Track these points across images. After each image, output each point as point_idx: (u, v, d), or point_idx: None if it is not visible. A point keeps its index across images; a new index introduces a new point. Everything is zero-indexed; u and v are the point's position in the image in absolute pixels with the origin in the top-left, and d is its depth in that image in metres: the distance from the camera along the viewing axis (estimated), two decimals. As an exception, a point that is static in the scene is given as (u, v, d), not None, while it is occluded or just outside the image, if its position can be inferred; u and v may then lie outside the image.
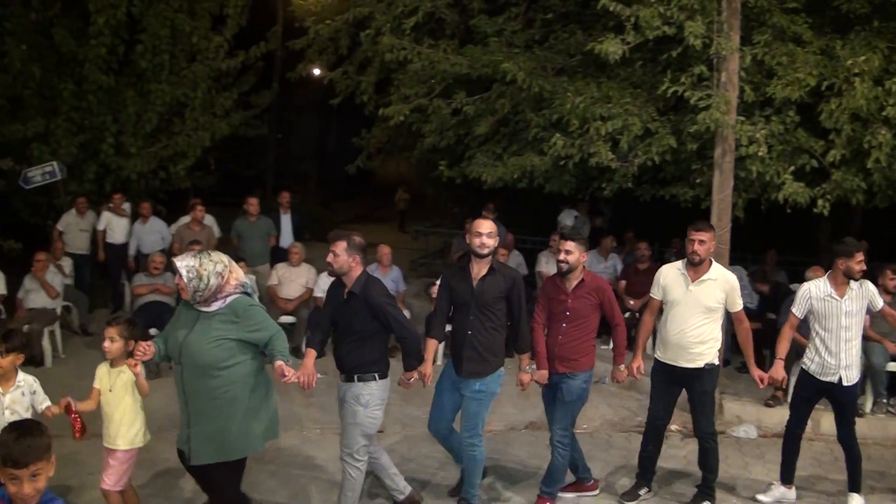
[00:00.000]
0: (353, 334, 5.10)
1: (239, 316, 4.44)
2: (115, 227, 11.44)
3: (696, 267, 5.63)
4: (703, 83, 7.76)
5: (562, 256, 5.54)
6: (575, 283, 5.57)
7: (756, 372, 5.71)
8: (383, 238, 11.97)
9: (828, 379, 5.71)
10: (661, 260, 10.70)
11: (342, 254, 5.09)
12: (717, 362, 5.72)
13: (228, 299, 4.48)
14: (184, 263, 4.43)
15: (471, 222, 5.71)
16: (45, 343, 9.07)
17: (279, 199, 12.09)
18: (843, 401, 5.78)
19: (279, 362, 4.48)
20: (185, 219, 11.17)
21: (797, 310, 5.83)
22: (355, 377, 5.08)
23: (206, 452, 4.42)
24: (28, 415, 4.71)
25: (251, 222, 10.87)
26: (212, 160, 16.38)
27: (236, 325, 4.42)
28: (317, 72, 13.97)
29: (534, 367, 5.65)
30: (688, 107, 8.46)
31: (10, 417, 4.55)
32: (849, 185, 7.64)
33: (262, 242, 10.90)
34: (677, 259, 9.95)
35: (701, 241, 5.56)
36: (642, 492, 6.02)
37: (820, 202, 7.68)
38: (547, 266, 10.68)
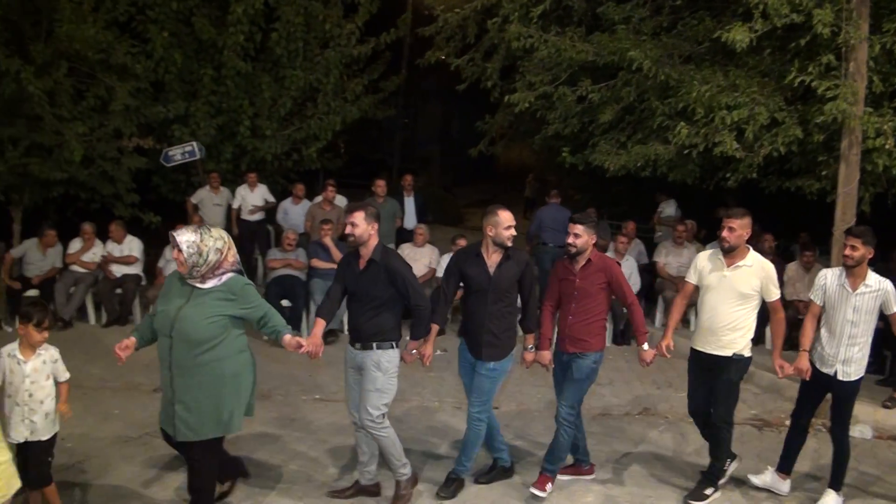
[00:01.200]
0: (371, 301, 5.21)
1: (236, 294, 4.51)
2: (248, 203, 12.15)
3: (731, 253, 5.60)
4: (831, 73, 7.62)
5: (570, 240, 5.61)
6: (582, 263, 5.65)
7: (778, 361, 5.65)
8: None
9: (825, 370, 5.66)
10: (785, 254, 10.51)
11: (361, 223, 5.19)
12: (747, 353, 5.66)
13: (224, 277, 4.53)
14: (184, 238, 4.45)
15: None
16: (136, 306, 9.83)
17: (403, 183, 12.49)
18: (839, 395, 5.68)
19: (287, 336, 4.62)
20: (318, 198, 11.74)
21: (815, 296, 5.77)
22: (374, 344, 5.22)
23: (191, 429, 4.52)
24: (49, 384, 4.82)
25: (378, 203, 11.33)
26: (341, 143, 17.00)
27: (232, 302, 4.51)
28: (443, 58, 14.27)
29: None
30: (815, 97, 8.32)
31: (30, 387, 4.74)
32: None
33: (389, 223, 11.33)
34: (799, 248, 9.86)
35: (731, 228, 5.53)
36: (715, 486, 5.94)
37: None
38: (666, 258, 10.67)
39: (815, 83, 7.57)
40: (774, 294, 5.63)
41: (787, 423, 7.47)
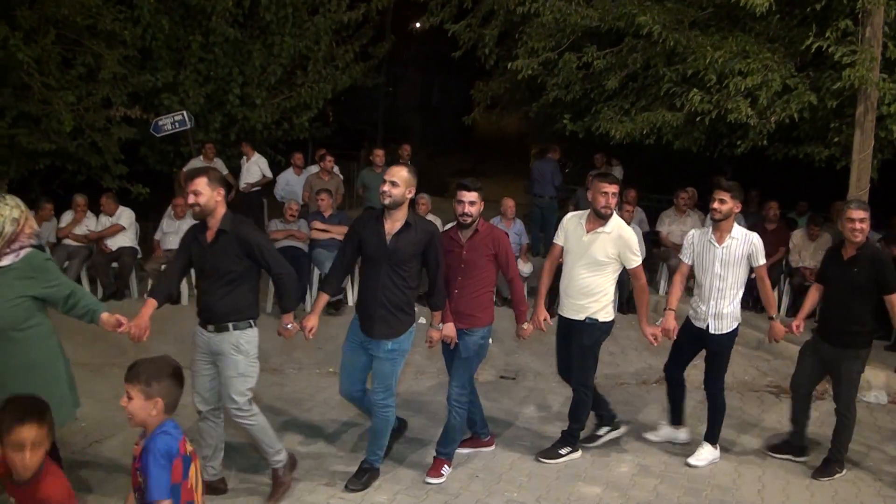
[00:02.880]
0: (223, 277, 4.66)
1: (35, 271, 4.13)
2: (245, 174, 11.92)
3: (600, 219, 5.46)
4: (847, 38, 7.56)
5: (466, 209, 5.19)
6: (470, 233, 5.30)
7: (648, 330, 5.63)
8: (508, 193, 12.12)
9: (699, 324, 5.70)
10: (786, 221, 10.52)
11: (205, 190, 4.60)
12: (602, 319, 5.54)
13: (22, 252, 4.11)
14: None
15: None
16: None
17: (401, 152, 12.31)
18: (712, 349, 5.71)
19: (105, 314, 4.32)
20: (313, 168, 11.53)
21: (684, 256, 5.84)
22: (230, 325, 4.68)
23: None
24: None
25: (377, 173, 11.15)
26: (330, 112, 16.74)
27: (33, 280, 4.12)
28: (417, 25, 14.08)
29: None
30: (828, 62, 8.28)
31: None
32: None
33: (387, 194, 11.18)
34: (807, 221, 9.87)
35: (613, 194, 5.39)
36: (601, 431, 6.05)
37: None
38: (669, 226, 10.64)
39: (831, 49, 7.51)
40: (634, 261, 5.50)
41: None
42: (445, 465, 5.47)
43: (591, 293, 5.51)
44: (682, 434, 6.15)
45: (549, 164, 12.45)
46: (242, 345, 4.71)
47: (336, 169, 11.52)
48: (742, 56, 8.45)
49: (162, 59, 12.11)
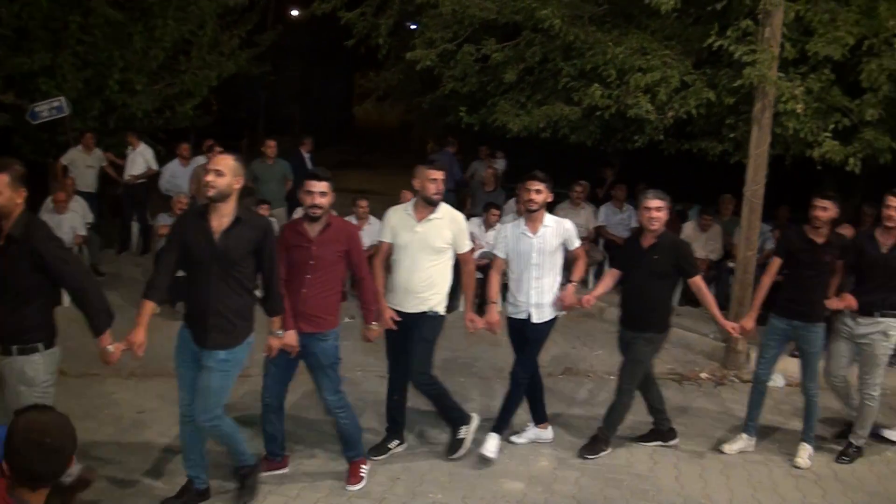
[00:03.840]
0: (8, 292, 4.05)
1: None
2: (130, 165, 11.31)
3: (430, 206, 5.36)
4: (747, 37, 7.79)
5: (315, 200, 4.81)
6: (320, 228, 4.91)
7: (468, 316, 5.66)
8: (393, 186, 11.90)
9: (519, 316, 5.70)
10: (678, 215, 10.79)
11: (5, 190, 4.00)
12: (440, 311, 5.49)
13: None
14: None
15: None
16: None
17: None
18: (531, 336, 5.69)
19: None
20: (201, 159, 11.03)
21: (498, 251, 5.80)
22: (14, 348, 4.09)
23: None
24: None
25: (268, 165, 10.76)
26: (213, 100, 16.09)
27: None
28: (294, 13, 13.76)
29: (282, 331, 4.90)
30: (723, 60, 8.54)
31: None
32: (880, 144, 7.78)
33: (279, 185, 10.81)
34: (698, 213, 10.20)
35: (442, 181, 5.36)
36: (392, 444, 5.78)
37: (851, 160, 7.79)
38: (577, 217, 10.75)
39: (732, 47, 7.71)
40: (466, 246, 5.52)
41: (703, 375, 7.85)
42: (362, 466, 5.31)
43: (434, 284, 5.42)
44: (547, 433, 6.08)
45: (447, 157, 12.29)
46: (27, 373, 4.10)
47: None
48: (641, 53, 8.60)
49: (39, 41, 11.29)
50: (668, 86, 8.39)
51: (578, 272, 5.75)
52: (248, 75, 15.83)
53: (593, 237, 10.74)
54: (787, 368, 7.81)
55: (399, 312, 5.45)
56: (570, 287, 5.70)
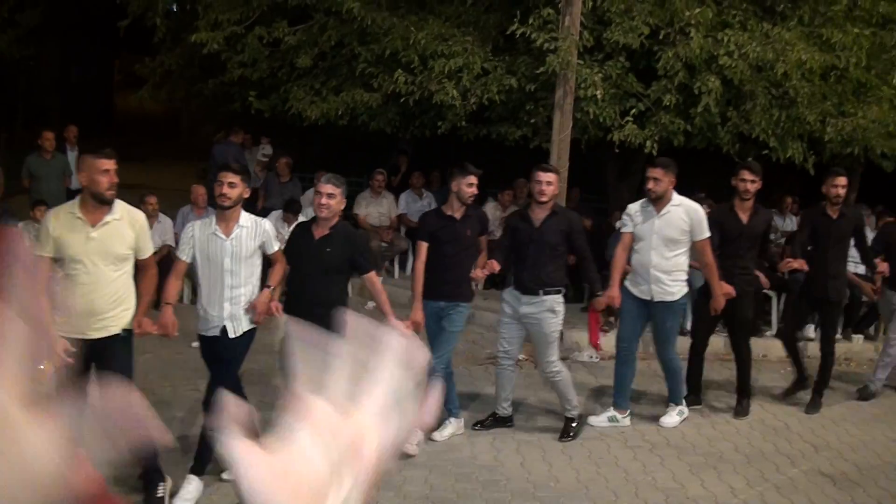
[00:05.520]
0: None
1: None
2: None
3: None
4: (548, 25, 7.98)
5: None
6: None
7: (138, 319, 4.73)
8: (163, 180, 11.19)
9: (210, 333, 4.83)
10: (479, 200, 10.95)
11: None
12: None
13: None
14: None
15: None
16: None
17: (66, 135, 10.76)
18: (227, 356, 4.87)
19: None
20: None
21: (182, 253, 4.90)
22: None
23: None
24: None
25: (46, 160, 9.63)
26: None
27: None
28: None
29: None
30: (520, 48, 8.71)
31: None
32: (674, 127, 8.28)
33: (59, 183, 9.75)
34: (496, 194, 10.38)
35: (115, 171, 4.57)
36: None
37: (648, 143, 8.23)
38: (367, 209, 10.56)
39: (534, 35, 7.86)
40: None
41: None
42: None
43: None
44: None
45: (233, 148, 11.58)
46: None
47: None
48: (442, 39, 8.57)
49: None
50: (471, 72, 8.43)
51: (276, 277, 5.03)
52: (14, 59, 14.18)
53: (396, 226, 10.62)
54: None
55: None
56: (266, 292, 4.95)
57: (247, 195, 4.90)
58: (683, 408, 6.38)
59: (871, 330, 8.93)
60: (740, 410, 6.58)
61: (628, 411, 6.33)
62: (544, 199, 5.71)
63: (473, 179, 5.69)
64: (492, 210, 10.16)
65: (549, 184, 5.72)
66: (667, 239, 5.94)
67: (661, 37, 7.99)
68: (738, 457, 5.77)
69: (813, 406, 6.81)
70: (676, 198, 5.98)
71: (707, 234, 5.99)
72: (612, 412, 6.27)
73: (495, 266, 5.60)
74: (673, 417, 6.30)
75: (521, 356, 7.95)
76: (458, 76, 8.45)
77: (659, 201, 5.93)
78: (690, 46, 7.68)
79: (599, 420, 6.24)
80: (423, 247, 5.75)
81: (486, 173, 11.37)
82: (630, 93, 8.44)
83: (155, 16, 10.39)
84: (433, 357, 5.54)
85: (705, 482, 5.32)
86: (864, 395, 7.23)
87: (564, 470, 5.50)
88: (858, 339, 8.78)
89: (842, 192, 6.57)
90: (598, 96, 7.98)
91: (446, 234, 5.71)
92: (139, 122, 23.87)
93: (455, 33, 8.67)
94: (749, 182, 6.25)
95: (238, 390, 4.82)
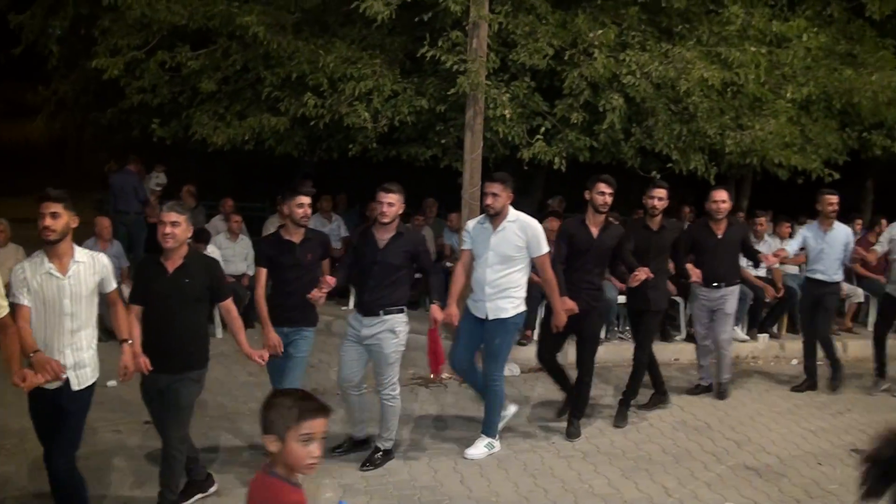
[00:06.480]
0: None
1: None
2: None
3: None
4: (457, 48, 8.13)
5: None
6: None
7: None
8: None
9: (49, 386, 4.20)
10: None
11: None
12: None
13: None
14: None
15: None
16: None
17: None
18: (70, 409, 4.34)
19: None
20: None
21: (21, 298, 4.24)
22: None
23: None
24: None
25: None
26: None
27: None
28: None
29: None
30: (427, 70, 8.84)
31: None
32: (580, 144, 8.56)
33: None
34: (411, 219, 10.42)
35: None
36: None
37: (556, 159, 8.47)
38: (273, 229, 10.42)
39: (444, 57, 7.99)
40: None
41: (445, 375, 8.01)
42: None
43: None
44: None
45: (132, 177, 11.25)
46: None
47: None
48: (351, 62, 8.61)
49: None
50: (382, 94, 8.51)
51: (132, 326, 4.69)
52: None
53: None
54: (517, 357, 8.29)
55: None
56: (127, 348, 4.58)
57: (74, 225, 4.34)
58: (494, 441, 6.04)
59: (775, 328, 9.44)
60: (571, 432, 6.35)
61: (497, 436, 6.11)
62: (386, 219, 5.56)
63: (303, 200, 5.49)
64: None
65: (392, 204, 5.55)
66: (502, 256, 5.78)
67: (565, 57, 8.24)
68: (667, 458, 5.98)
69: (621, 417, 6.69)
70: (513, 213, 5.83)
71: (545, 249, 5.83)
72: (486, 440, 6.03)
73: (331, 281, 5.51)
74: (479, 448, 5.96)
75: (445, 374, 8.09)
76: (369, 98, 8.51)
77: (496, 217, 5.79)
78: (594, 66, 7.96)
79: (478, 451, 5.94)
80: (262, 273, 5.59)
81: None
82: (536, 111, 8.68)
83: (49, 42, 10.04)
84: (286, 385, 5.36)
85: (639, 485, 5.50)
86: (720, 394, 7.42)
87: (503, 484, 5.56)
88: (764, 337, 9.25)
89: (657, 203, 6.56)
90: (507, 116, 8.18)
91: (286, 260, 5.55)
92: (20, 154, 22.84)
93: (363, 56, 8.73)
94: (608, 195, 6.11)
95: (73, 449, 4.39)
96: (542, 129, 8.45)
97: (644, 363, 6.83)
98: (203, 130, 9.45)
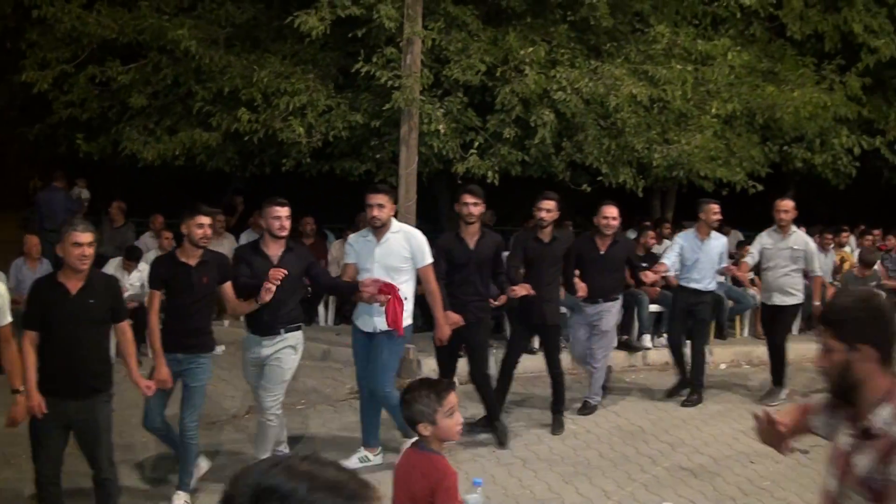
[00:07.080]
0: None
1: None
2: None
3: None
4: (391, 64, 8.22)
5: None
6: None
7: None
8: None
9: None
10: (323, 236, 10.97)
11: None
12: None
13: None
14: None
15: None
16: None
17: None
18: None
19: None
20: None
21: None
22: None
23: None
24: None
25: None
26: None
27: None
28: None
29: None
30: (361, 85, 8.91)
31: None
32: (512, 158, 8.73)
33: None
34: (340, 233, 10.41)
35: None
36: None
37: (490, 174, 8.62)
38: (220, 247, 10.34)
39: (378, 73, 8.08)
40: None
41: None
42: None
43: None
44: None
45: (59, 194, 11.00)
46: None
47: None
48: (284, 77, 8.63)
49: None
50: (316, 109, 8.54)
51: (27, 368, 4.38)
52: None
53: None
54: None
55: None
56: (20, 399, 4.34)
57: None
58: (369, 454, 5.98)
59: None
60: (500, 443, 6.40)
61: (379, 448, 6.03)
62: (284, 233, 5.44)
63: (204, 220, 5.14)
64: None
65: (287, 218, 5.47)
66: (388, 267, 5.68)
67: (497, 74, 8.40)
68: (605, 462, 6.13)
69: (557, 425, 6.75)
70: (396, 224, 5.83)
71: (429, 260, 5.83)
72: (362, 452, 5.96)
73: (279, 274, 5.19)
74: (352, 460, 5.85)
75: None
76: (303, 113, 8.53)
77: (381, 229, 5.73)
78: (525, 82, 8.13)
79: (351, 462, 5.79)
80: (156, 296, 5.25)
81: (328, 209, 11.59)
82: (470, 126, 8.82)
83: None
84: (185, 418, 5.18)
85: (579, 489, 5.63)
86: (586, 411, 7.23)
87: (445, 492, 5.64)
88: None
89: (545, 215, 6.50)
90: (441, 130, 8.29)
91: (180, 283, 5.20)
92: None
93: (296, 71, 8.76)
94: (472, 205, 6.14)
95: None
96: (476, 143, 8.57)
97: (561, 375, 6.81)
98: (133, 145, 9.33)
